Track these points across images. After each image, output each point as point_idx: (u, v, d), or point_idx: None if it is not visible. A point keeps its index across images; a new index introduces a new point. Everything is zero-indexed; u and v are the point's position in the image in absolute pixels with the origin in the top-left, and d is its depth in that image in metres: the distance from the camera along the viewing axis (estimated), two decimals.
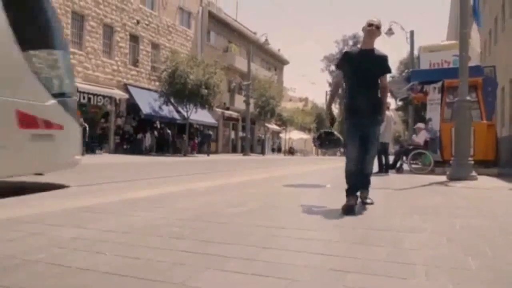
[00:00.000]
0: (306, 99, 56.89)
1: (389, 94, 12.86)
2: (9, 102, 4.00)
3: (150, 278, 1.61)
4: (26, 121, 4.17)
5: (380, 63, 3.58)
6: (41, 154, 4.49)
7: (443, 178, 6.89)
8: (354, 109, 3.57)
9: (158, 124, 24.78)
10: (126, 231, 2.46)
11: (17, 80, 4.20)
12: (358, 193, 3.57)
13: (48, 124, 4.44)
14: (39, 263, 1.79)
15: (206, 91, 21.74)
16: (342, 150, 5.48)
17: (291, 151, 42.16)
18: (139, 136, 23.13)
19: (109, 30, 22.20)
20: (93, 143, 19.41)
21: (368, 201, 3.68)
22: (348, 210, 3.19)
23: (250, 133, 33.39)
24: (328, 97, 3.81)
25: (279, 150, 42.73)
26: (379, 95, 3.64)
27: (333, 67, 48.64)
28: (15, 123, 4.04)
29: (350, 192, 3.42)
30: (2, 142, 3.96)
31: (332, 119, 4.00)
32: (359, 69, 3.53)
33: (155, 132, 24.31)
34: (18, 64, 4.16)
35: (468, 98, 6.91)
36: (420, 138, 9.92)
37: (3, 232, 2.42)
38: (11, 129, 4.04)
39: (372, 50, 3.57)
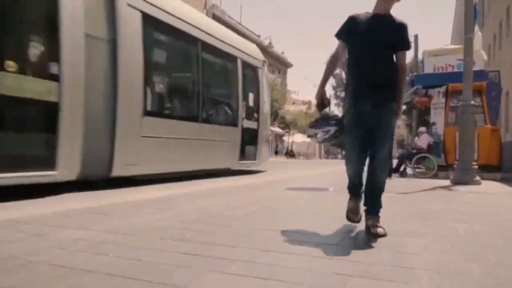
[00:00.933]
0: (309, 102, 56.72)
1: None
2: (266, 134, 10.60)
3: (152, 280, 1.61)
4: (267, 140, 10.82)
5: (398, 33, 2.65)
6: (265, 154, 10.79)
7: (447, 182, 6.85)
8: (359, 92, 2.65)
9: None
10: (129, 233, 2.47)
11: (266, 125, 10.73)
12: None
13: (268, 140, 11.27)
14: (41, 264, 1.80)
15: None
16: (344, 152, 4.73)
17: (291, 154, 42.17)
18: None
19: None
20: None
21: (379, 231, 2.52)
22: (352, 214, 3.10)
23: None
24: (322, 74, 2.85)
25: (286, 153, 42.82)
26: (395, 76, 2.65)
27: (337, 70, 47.98)
28: (264, 142, 10.43)
29: (354, 194, 2.93)
30: (262, 151, 10.14)
31: (322, 101, 2.80)
32: (369, 39, 2.60)
33: None
34: (267, 117, 10.97)
35: (472, 102, 6.89)
36: (423, 142, 9.88)
37: (6, 233, 2.44)
38: (264, 145, 10.45)
39: (388, 16, 2.67)
